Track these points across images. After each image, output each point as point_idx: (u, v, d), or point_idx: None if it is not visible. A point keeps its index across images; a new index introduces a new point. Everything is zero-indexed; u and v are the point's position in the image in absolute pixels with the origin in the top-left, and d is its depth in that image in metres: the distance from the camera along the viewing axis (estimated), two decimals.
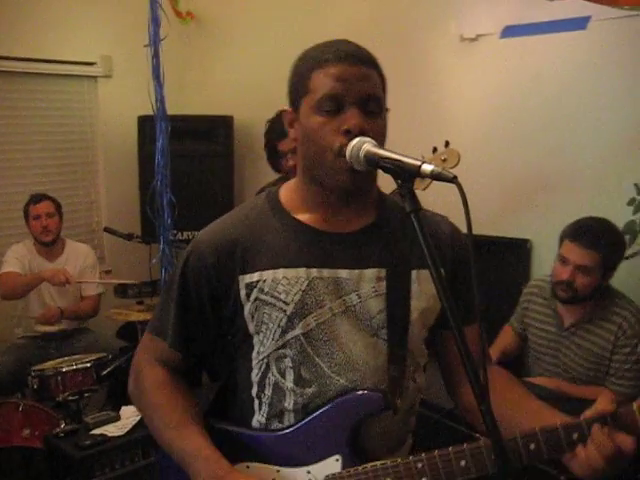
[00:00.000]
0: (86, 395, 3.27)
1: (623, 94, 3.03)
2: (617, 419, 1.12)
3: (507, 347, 2.91)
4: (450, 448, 1.19)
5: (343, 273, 1.30)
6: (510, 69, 3.42)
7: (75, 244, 4.19)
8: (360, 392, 1.28)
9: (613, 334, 2.54)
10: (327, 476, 1.27)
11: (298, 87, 1.27)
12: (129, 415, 2.95)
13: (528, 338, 2.85)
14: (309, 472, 1.29)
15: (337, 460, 1.28)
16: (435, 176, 1.04)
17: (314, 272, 1.29)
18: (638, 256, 2.73)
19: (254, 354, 1.34)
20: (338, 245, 1.31)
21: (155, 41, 3.42)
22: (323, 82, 1.22)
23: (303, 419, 1.30)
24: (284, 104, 1.35)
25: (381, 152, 1.14)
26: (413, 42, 3.81)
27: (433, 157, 2.88)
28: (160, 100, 3.51)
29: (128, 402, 2.34)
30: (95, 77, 4.68)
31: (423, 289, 1.33)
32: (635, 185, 2.70)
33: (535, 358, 2.81)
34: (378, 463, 1.23)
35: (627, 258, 2.71)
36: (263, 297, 1.29)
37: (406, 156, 1.10)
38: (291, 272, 1.29)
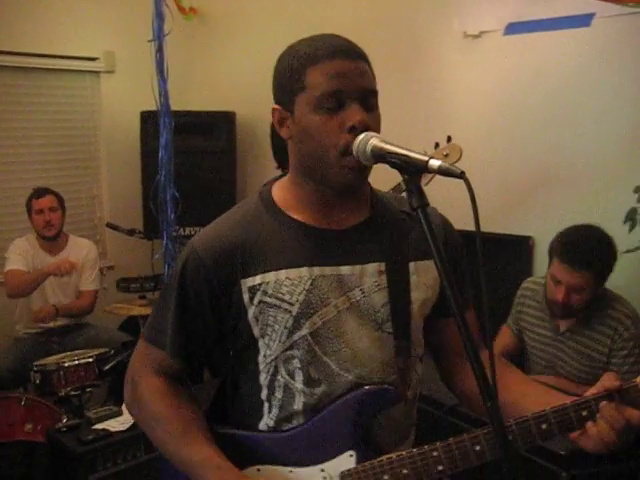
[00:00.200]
0: (88, 390, 3.28)
1: (626, 91, 3.03)
2: (622, 395, 1.16)
3: (506, 347, 2.89)
4: (465, 434, 1.20)
5: (345, 269, 1.29)
6: (513, 66, 3.42)
7: (77, 239, 4.20)
8: (371, 386, 1.29)
9: (610, 337, 2.52)
10: (342, 472, 1.27)
11: (291, 84, 1.23)
12: None
13: (525, 341, 2.84)
14: (323, 470, 1.28)
15: (351, 456, 1.27)
16: (443, 171, 1.03)
17: (316, 270, 1.28)
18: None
19: (260, 358, 1.32)
20: (337, 242, 1.30)
21: (159, 36, 3.41)
22: (321, 79, 1.19)
23: (313, 418, 1.29)
24: None
25: (388, 147, 1.13)
26: (416, 38, 3.81)
27: (435, 152, 2.88)
28: (164, 95, 3.51)
29: None
30: (98, 72, 4.69)
31: (422, 280, 1.34)
32: None
33: (532, 361, 2.80)
34: (393, 455, 1.24)
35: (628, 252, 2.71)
36: (267, 299, 1.27)
37: (413, 151, 1.10)
38: (293, 272, 1.27)
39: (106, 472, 2.71)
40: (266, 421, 1.33)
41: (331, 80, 1.19)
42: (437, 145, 2.97)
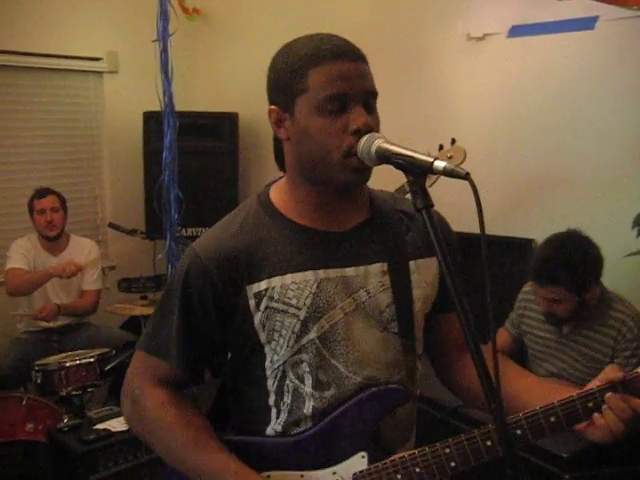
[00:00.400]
0: (89, 390, 3.28)
1: (630, 94, 3.02)
2: (626, 386, 1.19)
3: (501, 348, 2.89)
4: (475, 430, 1.21)
5: (349, 271, 1.29)
6: (516, 68, 3.42)
7: (79, 239, 4.19)
8: (381, 387, 1.29)
9: (612, 339, 2.53)
10: (355, 474, 1.26)
11: (291, 85, 1.22)
12: None
13: (526, 344, 2.84)
14: (335, 473, 1.27)
15: (363, 457, 1.27)
16: (448, 173, 1.02)
17: (321, 274, 1.27)
18: None
19: (267, 363, 1.30)
20: (339, 244, 1.30)
21: (164, 36, 3.42)
22: (325, 81, 1.18)
23: (323, 420, 1.29)
24: None
25: (393, 148, 1.12)
26: (420, 41, 3.81)
27: (439, 154, 2.89)
28: (168, 95, 3.51)
29: None
30: (101, 72, 4.69)
31: (422, 278, 1.35)
32: None
33: (535, 364, 2.80)
34: (406, 454, 1.24)
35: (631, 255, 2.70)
36: (274, 305, 1.26)
37: (418, 152, 1.09)
38: (299, 276, 1.27)
39: (107, 472, 2.72)
40: (274, 426, 1.32)
41: (335, 83, 1.18)
42: (441, 147, 2.97)
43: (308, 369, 1.28)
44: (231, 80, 4.83)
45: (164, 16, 3.43)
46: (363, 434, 1.28)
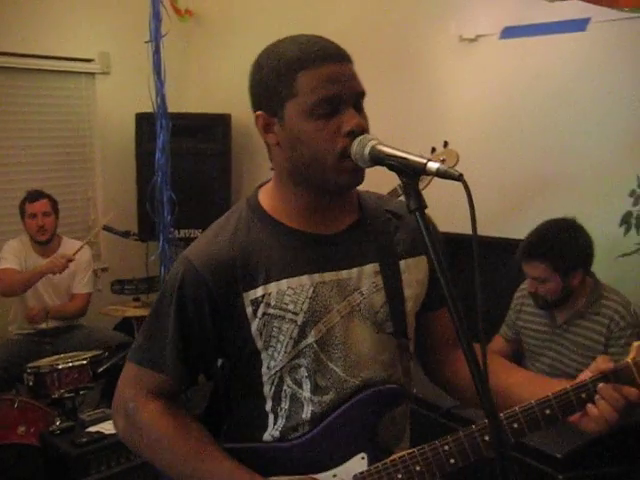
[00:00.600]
0: (82, 392, 3.28)
1: (622, 95, 3.04)
2: (617, 375, 1.21)
3: (494, 352, 2.91)
4: (473, 426, 1.21)
5: (343, 274, 1.29)
6: (509, 70, 3.43)
7: (71, 241, 4.17)
8: (379, 387, 1.29)
9: (606, 327, 2.56)
10: (355, 475, 1.26)
11: (279, 90, 1.20)
12: None
13: (522, 340, 2.86)
14: (335, 475, 1.27)
15: (363, 458, 1.27)
16: (441, 174, 1.02)
17: (317, 277, 1.27)
18: (636, 254, 2.73)
19: (264, 369, 1.29)
20: (332, 246, 1.30)
21: (156, 37, 3.42)
22: (314, 85, 1.17)
23: (321, 424, 1.28)
24: None
25: (387, 150, 1.12)
26: (412, 41, 3.81)
27: (432, 157, 2.88)
28: (161, 97, 3.50)
29: None
30: (93, 74, 4.68)
31: (413, 277, 1.35)
32: (638, 178, 2.71)
33: (531, 359, 2.82)
34: (405, 453, 1.24)
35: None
36: (271, 311, 1.25)
37: (411, 154, 1.09)
38: (295, 281, 1.26)
39: (100, 475, 2.71)
40: (271, 432, 1.31)
41: (325, 86, 1.17)
42: (434, 150, 2.97)
43: (306, 374, 1.28)
44: (224, 81, 4.82)
45: (156, 17, 3.43)
46: (362, 435, 1.28)
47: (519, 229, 3.34)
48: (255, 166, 4.69)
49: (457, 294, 1.04)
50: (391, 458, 1.24)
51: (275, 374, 1.29)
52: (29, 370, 3.25)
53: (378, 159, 1.14)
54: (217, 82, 4.90)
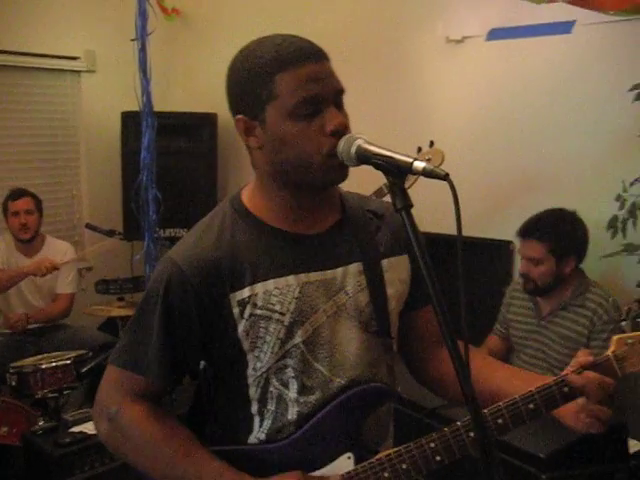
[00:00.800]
0: (65, 392, 3.24)
1: (607, 98, 3.06)
2: (597, 369, 1.23)
3: (491, 352, 2.92)
4: (458, 422, 1.22)
5: (329, 274, 1.29)
6: (495, 71, 3.45)
7: (55, 241, 4.14)
8: (364, 386, 1.29)
9: (589, 319, 2.60)
10: (343, 475, 1.26)
11: (258, 93, 1.19)
12: None
13: (510, 334, 2.90)
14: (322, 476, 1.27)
15: (349, 458, 1.27)
16: (427, 173, 1.02)
17: (303, 277, 1.27)
18: (618, 256, 2.76)
19: (250, 371, 1.28)
20: (317, 246, 1.30)
21: (142, 35, 3.40)
22: (294, 86, 1.17)
23: (306, 424, 1.27)
24: None
25: (373, 149, 1.12)
26: (399, 42, 3.82)
27: (418, 156, 2.88)
28: (146, 95, 3.49)
29: None
30: (79, 72, 4.65)
31: (395, 276, 1.36)
32: (622, 183, 2.75)
33: (517, 352, 2.87)
34: (391, 452, 1.24)
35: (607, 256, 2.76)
36: (258, 312, 1.24)
37: (398, 153, 1.09)
38: (281, 281, 1.25)
39: (83, 475, 2.69)
40: (256, 435, 1.30)
41: (305, 86, 1.17)
42: (420, 149, 2.98)
43: (293, 374, 1.27)
44: (210, 81, 4.76)
45: (142, 15, 3.41)
46: (348, 435, 1.28)
47: (503, 229, 3.37)
48: (241, 165, 4.68)
49: (441, 292, 1.04)
50: (377, 457, 1.24)
51: (261, 375, 1.28)
52: (12, 370, 3.22)
53: (364, 158, 1.14)
54: (203, 81, 4.86)
